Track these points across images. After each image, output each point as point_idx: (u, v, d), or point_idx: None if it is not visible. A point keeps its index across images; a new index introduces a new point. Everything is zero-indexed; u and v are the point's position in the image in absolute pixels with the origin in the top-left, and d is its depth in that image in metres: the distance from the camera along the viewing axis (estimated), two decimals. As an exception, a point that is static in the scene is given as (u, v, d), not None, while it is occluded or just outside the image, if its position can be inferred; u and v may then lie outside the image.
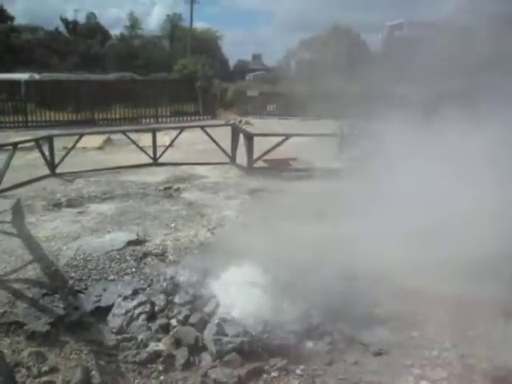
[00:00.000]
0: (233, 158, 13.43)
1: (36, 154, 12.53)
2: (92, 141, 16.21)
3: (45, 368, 4.43)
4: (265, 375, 4.44)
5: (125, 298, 5.48)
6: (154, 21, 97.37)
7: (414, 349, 4.79)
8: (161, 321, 5.11)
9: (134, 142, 13.68)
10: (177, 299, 5.38)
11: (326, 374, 4.45)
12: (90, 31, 50.23)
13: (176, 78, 30.75)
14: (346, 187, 11.17)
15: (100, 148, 16.51)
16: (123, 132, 14.21)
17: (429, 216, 8.38)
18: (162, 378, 4.42)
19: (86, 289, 5.90)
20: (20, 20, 49.71)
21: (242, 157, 12.86)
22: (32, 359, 4.53)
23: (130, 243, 7.11)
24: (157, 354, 4.65)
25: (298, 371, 4.49)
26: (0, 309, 5.26)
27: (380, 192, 10.32)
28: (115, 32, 54.27)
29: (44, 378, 4.31)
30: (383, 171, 11.81)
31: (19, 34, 41.60)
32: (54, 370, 4.44)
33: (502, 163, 7.54)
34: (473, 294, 5.40)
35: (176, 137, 14.17)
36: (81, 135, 13.16)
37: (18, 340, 4.85)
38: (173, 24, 53.84)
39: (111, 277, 6.16)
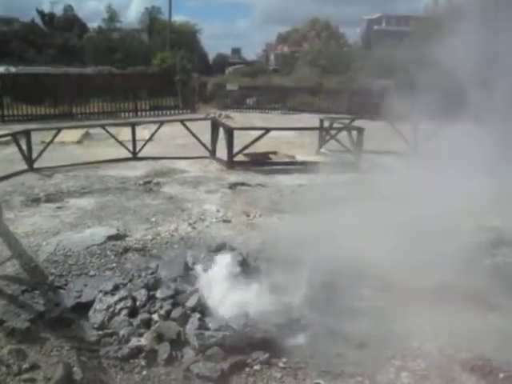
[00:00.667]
0: (213, 152, 13.41)
1: (13, 149, 12.38)
2: (70, 135, 16.06)
3: (25, 365, 4.36)
4: (247, 369, 4.44)
5: (106, 294, 5.42)
6: (132, 13, 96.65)
7: (395, 341, 4.84)
8: (142, 316, 5.07)
9: (112, 136, 13.59)
10: (158, 294, 5.34)
11: (309, 366, 4.47)
12: (68, 24, 49.56)
13: (155, 72, 30.55)
14: (325, 181, 11.26)
15: (78, 142, 16.35)
16: (102, 126, 14.11)
17: (409, 210, 8.48)
18: (144, 373, 4.40)
19: (66, 284, 5.84)
20: (-6, 12, 48.96)
21: (222, 151, 12.85)
22: (12, 356, 4.46)
23: (110, 238, 7.07)
24: (139, 350, 4.62)
25: (281, 364, 4.50)
26: (-22, 306, 5.19)
27: (363, 186, 10.40)
28: (93, 25, 53.73)
29: (25, 376, 4.25)
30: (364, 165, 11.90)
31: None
32: (34, 367, 4.37)
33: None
34: (453, 286, 5.48)
35: (155, 131, 14.11)
36: (59, 129, 13.02)
37: (-3, 337, 4.79)
38: (151, 17, 53.42)
39: (92, 272, 6.12)
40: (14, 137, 12.02)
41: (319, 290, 5.35)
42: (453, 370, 4.36)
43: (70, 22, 50.02)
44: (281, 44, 62.50)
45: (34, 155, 11.95)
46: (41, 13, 51.74)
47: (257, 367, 4.46)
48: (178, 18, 58.99)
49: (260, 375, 4.37)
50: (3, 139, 13.02)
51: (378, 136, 15.99)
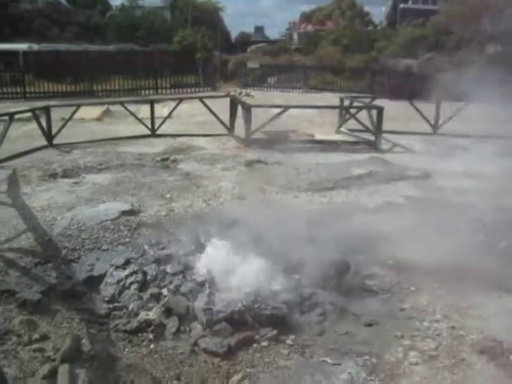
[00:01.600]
0: (231, 130, 13.35)
1: (33, 126, 12.45)
2: (90, 112, 16.11)
3: (35, 336, 4.42)
4: (255, 345, 4.43)
5: (117, 268, 5.45)
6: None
7: (405, 320, 4.79)
8: (152, 290, 5.09)
9: (132, 113, 13.60)
10: (169, 269, 5.36)
11: (317, 344, 4.45)
12: (91, 1, 49.50)
13: (176, 50, 30.42)
14: (344, 159, 11.17)
15: (98, 119, 16.39)
16: (121, 103, 14.12)
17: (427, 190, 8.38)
18: (151, 346, 4.42)
19: (79, 258, 5.88)
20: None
21: (240, 129, 12.78)
22: (23, 327, 4.51)
23: (124, 213, 7.09)
24: (147, 323, 4.65)
25: (289, 341, 4.49)
26: (-8, 277, 5.26)
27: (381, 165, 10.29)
28: (116, 2, 53.61)
29: (35, 346, 4.30)
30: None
31: (18, 3, 40.93)
32: (44, 337, 4.43)
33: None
34: (466, 267, 5.40)
35: (174, 108, 14.08)
36: (78, 106, 13.05)
37: (9, 308, 4.84)
38: (174, -6, 53.06)
39: (104, 246, 6.14)
40: (34, 113, 12.08)
41: (330, 268, 5.30)
42: (463, 351, 4.29)
43: (93, 0, 49.97)
44: (305, 23, 61.76)
45: (54, 131, 12.02)
46: (64, -10, 51.77)
47: (264, 343, 4.45)
48: (201, -5, 58.41)
49: (267, 351, 4.36)
50: (24, 115, 13.08)
51: (398, 116, 15.81)
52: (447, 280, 5.36)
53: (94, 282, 5.44)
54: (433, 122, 14.51)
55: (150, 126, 13.27)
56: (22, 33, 32.34)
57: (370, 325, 4.71)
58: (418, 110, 14.36)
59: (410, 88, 20.78)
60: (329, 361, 4.18)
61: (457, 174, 9.35)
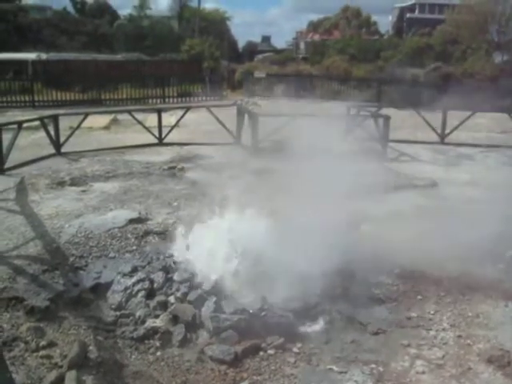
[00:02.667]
0: (238, 139, 13.39)
1: (41, 134, 12.55)
2: (98, 121, 16.21)
3: (43, 342, 4.44)
4: (261, 353, 4.44)
5: (124, 275, 5.48)
6: (164, 1, 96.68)
7: (411, 329, 4.79)
8: (159, 298, 5.11)
9: (139, 122, 13.67)
10: (176, 277, 5.37)
11: (323, 352, 4.45)
12: (99, 11, 49.91)
13: (183, 59, 30.58)
14: (350, 169, 11.14)
15: (106, 128, 16.50)
16: (128, 112, 14.20)
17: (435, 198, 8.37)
18: (158, 353, 4.44)
19: (86, 266, 5.92)
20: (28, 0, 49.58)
21: (247, 138, 12.82)
22: (30, 334, 4.54)
23: (131, 221, 7.13)
24: (154, 331, 4.66)
25: (295, 349, 4.49)
26: (0, 284, 5.29)
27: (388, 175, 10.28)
28: (124, 12, 53.99)
29: (42, 352, 4.33)
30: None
31: (27, 13, 41.35)
32: (51, 344, 4.45)
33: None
34: (473, 276, 5.39)
35: (181, 117, 14.16)
36: (86, 114, 13.14)
37: (17, 315, 4.87)
38: (181, 4, 53.39)
39: (112, 254, 6.18)
40: (42, 121, 12.17)
41: (337, 277, 5.30)
42: (469, 360, 4.28)
43: (101, 10, 50.36)
44: (311, 32, 61.93)
45: (62, 140, 12.10)
46: (73, 0, 52.22)
47: (271, 351, 4.46)
48: (209, 6, 58.90)
49: (274, 359, 4.36)
50: (32, 124, 13.19)
51: (405, 125, 15.81)
52: (454, 289, 5.36)
53: (101, 289, 5.47)
54: (439, 131, 14.50)
55: (157, 135, 13.34)
56: (31, 42, 32.62)
57: (376, 333, 4.71)
58: (424, 119, 14.36)
59: (417, 97, 20.81)
60: (335, 369, 4.18)
61: (464, 183, 9.35)
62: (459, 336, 4.61)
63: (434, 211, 7.94)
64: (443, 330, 4.74)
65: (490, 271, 5.47)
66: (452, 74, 29.05)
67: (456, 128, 14.30)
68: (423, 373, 4.11)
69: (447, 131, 14.41)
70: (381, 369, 4.16)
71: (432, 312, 5.06)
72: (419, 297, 5.36)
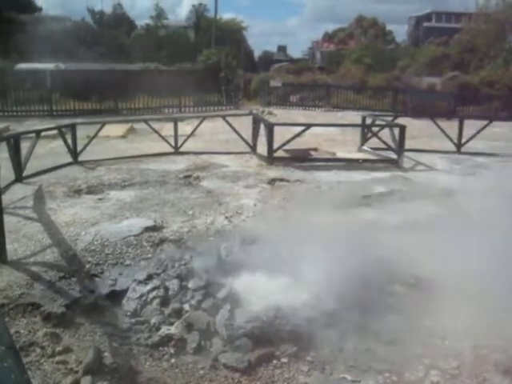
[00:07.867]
0: (253, 148, 13.43)
1: (59, 143, 12.68)
2: (115, 130, 16.37)
3: (59, 348, 4.50)
4: (275, 361, 4.46)
5: (139, 283, 5.53)
6: (184, 11, 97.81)
7: (426, 338, 4.76)
8: (174, 305, 5.16)
9: (155, 131, 13.77)
10: (190, 284, 5.42)
11: (337, 360, 4.45)
12: (116, 21, 50.52)
13: (200, 69, 30.76)
14: (365, 178, 11.15)
15: (123, 137, 16.63)
16: (145, 121, 14.31)
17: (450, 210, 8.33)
18: (172, 360, 4.47)
19: (102, 273, 5.97)
20: (48, 11, 50.32)
21: (263, 147, 12.85)
22: (47, 339, 4.60)
23: (147, 229, 7.17)
24: (168, 338, 4.70)
25: (309, 358, 4.50)
26: (18, 290, 5.36)
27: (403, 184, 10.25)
28: (142, 22, 54.50)
29: (58, 358, 4.39)
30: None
31: (46, 24, 41.96)
32: (67, 350, 4.51)
33: None
34: (488, 285, 5.34)
35: (197, 126, 14.23)
36: (103, 124, 13.28)
37: (34, 321, 4.94)
38: (198, 14, 53.81)
39: (127, 262, 6.23)
40: (60, 130, 12.32)
41: (351, 285, 5.29)
42: (485, 371, 4.25)
43: (119, 20, 50.96)
44: (327, 42, 62.08)
45: (79, 149, 12.23)
46: (91, 11, 52.92)
47: (284, 360, 4.47)
48: (226, 16, 59.29)
49: (287, 368, 4.38)
50: (50, 133, 13.35)
51: (421, 134, 15.76)
52: (469, 298, 5.31)
53: (116, 296, 5.53)
54: (456, 141, 14.42)
55: (173, 144, 13.42)
56: (50, 52, 33.04)
57: (390, 342, 4.70)
58: (440, 128, 14.29)
59: (433, 106, 20.71)
60: (349, 378, 4.17)
61: (480, 193, 9.27)
62: (475, 346, 4.58)
63: (449, 221, 7.89)
64: (458, 339, 4.70)
65: (506, 280, 5.41)
66: (469, 83, 28.90)
67: (473, 137, 14.22)
68: (438, 383, 4.09)
69: (463, 140, 14.34)
70: (395, 378, 4.15)
71: (447, 321, 5.02)
72: (434, 306, 5.33)
